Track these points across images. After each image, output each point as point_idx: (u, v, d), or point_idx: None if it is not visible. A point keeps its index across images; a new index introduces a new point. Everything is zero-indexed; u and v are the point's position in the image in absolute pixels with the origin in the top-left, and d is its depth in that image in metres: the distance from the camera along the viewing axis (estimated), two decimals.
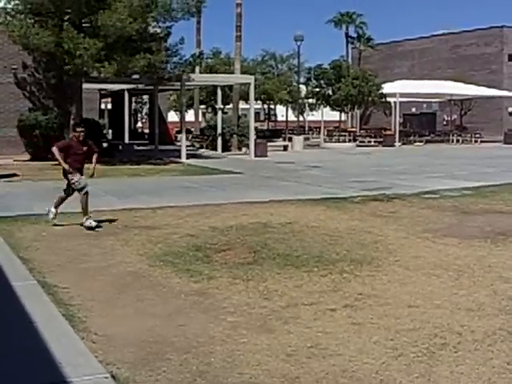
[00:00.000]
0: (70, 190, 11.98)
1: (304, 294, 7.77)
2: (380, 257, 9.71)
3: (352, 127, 55.46)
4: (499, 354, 6.00)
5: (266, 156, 32.56)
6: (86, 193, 11.68)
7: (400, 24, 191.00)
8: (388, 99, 47.34)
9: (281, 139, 46.93)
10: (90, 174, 11.99)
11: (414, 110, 66.67)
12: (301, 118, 62.69)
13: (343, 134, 48.71)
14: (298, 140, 41.17)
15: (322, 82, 45.77)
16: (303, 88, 50.45)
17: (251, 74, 41.23)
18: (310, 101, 52.98)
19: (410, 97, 52.85)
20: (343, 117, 56.08)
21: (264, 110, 62.08)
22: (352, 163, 29.83)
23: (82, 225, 11.73)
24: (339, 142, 46.67)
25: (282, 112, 65.18)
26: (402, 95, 47.36)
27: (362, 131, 53.16)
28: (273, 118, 68.46)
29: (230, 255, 9.71)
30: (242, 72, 40.41)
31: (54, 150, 11.70)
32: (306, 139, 47.99)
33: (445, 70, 65.11)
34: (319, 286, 8.17)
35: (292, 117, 59.46)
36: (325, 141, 48.01)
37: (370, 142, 46.91)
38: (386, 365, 5.73)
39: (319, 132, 52.95)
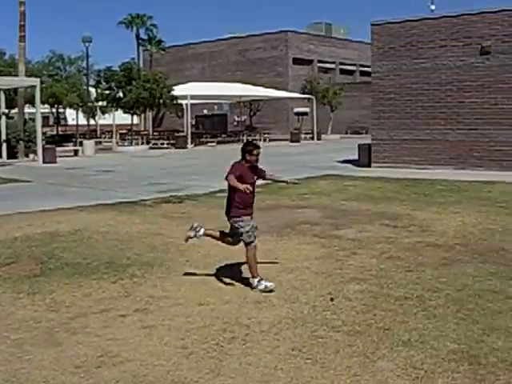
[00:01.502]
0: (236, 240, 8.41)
1: (93, 303, 7.61)
2: (171, 258, 9.79)
3: (145, 130, 55.28)
4: (285, 341, 6.29)
5: (55, 162, 31.43)
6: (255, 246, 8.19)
7: (192, 27, 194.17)
8: (180, 101, 47.76)
9: (71, 144, 45.65)
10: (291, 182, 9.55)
11: (205, 111, 67.96)
12: (93, 122, 61.41)
13: (136, 137, 48.39)
14: (89, 144, 40.29)
15: (112, 84, 45.11)
16: (93, 91, 49.41)
17: (37, 76, 39.55)
18: (101, 104, 52.00)
19: (202, 99, 53.82)
20: (136, 120, 55.72)
21: (53, 113, 60.00)
22: (145, 166, 29.74)
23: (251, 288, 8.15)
24: (132, 145, 46.31)
25: (72, 116, 63.39)
26: (194, 97, 48.05)
27: (154, 134, 53.21)
28: (63, 122, 66.36)
29: (15, 269, 9.23)
30: (28, 74, 38.69)
31: (230, 177, 7.92)
32: (98, 143, 47.12)
33: (234, 73, 67.13)
34: (109, 292, 8.05)
35: (83, 120, 57.98)
36: (117, 144, 47.44)
37: (162, 144, 47.06)
38: (177, 364, 5.78)
39: (111, 136, 52.17)
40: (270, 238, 11.25)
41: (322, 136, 54.46)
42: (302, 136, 53.13)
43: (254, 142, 9.11)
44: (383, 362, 5.77)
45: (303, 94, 56.86)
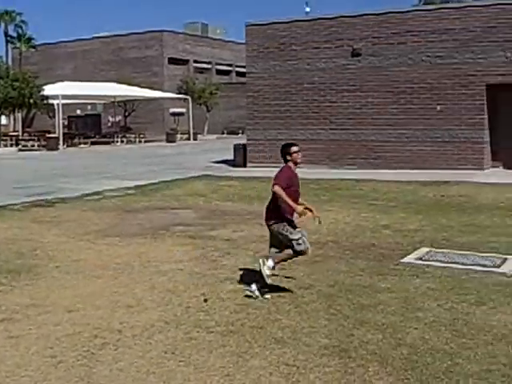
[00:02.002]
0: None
1: None
2: (39, 264, 9.41)
3: (14, 131, 53.17)
4: (157, 344, 6.18)
5: None
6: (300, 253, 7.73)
7: (65, 25, 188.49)
8: (51, 101, 46.28)
9: None
10: (319, 220, 8.20)
11: (78, 111, 66.23)
12: None
13: (4, 138, 46.44)
14: None
15: None
16: None
17: None
18: None
19: (74, 99, 52.37)
20: (4, 120, 53.52)
21: None
22: (13, 169, 28.60)
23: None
24: (0, 147, 44.39)
25: None
26: (66, 97, 46.71)
27: (25, 135, 51.28)
28: None
29: None
30: None
31: (278, 189, 7.49)
32: None
33: (108, 72, 65.84)
34: None
35: None
36: None
37: (33, 145, 45.38)
38: (45, 374, 5.55)
39: None
40: (144, 240, 11.08)
41: (199, 136, 54.49)
42: (178, 136, 52.93)
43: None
44: (256, 361, 5.78)
45: (179, 94, 56.64)
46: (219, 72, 75.16)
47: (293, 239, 7.52)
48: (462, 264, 9.00)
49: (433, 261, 9.16)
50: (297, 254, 7.64)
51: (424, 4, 53.48)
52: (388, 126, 22.85)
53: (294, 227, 7.67)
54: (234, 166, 25.79)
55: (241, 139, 33.27)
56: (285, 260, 7.91)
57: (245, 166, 25.47)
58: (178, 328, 6.63)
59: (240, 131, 57.02)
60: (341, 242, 10.80)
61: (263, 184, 19.18)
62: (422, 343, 6.10)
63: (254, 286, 7.68)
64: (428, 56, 22.17)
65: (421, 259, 9.34)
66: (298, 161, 7.83)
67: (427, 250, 9.94)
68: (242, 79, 53.32)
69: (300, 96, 24.54)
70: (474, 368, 5.52)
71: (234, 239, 11.11)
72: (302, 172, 22.42)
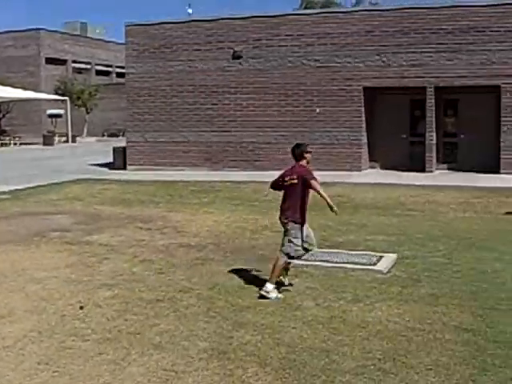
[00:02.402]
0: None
1: None
2: None
3: None
4: (30, 355, 5.94)
5: None
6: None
7: None
8: None
9: None
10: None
11: None
12: None
13: None
14: None
15: None
16: None
17: None
18: None
19: None
20: None
21: None
22: None
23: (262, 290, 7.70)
24: None
25: None
26: None
27: None
28: None
29: None
30: None
31: (316, 184, 7.78)
32: None
33: None
34: None
35: None
36: None
37: None
38: None
39: None
40: (17, 247, 10.63)
41: (78, 139, 53.07)
42: (56, 139, 51.33)
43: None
44: (133, 368, 5.67)
45: (57, 94, 54.99)
46: (99, 72, 73.59)
47: (292, 242, 7.75)
48: (340, 263, 9.22)
49: (311, 260, 9.29)
50: (284, 253, 7.82)
51: (305, 8, 54.64)
52: (269, 128, 23.11)
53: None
54: (114, 169, 25.28)
55: (121, 142, 32.71)
56: (279, 272, 7.89)
57: (125, 168, 25.05)
58: (52, 337, 6.39)
59: (121, 133, 56.05)
60: (221, 245, 10.78)
61: (143, 187, 19.00)
62: (300, 342, 6.17)
63: (270, 286, 7.62)
64: (308, 59, 22.61)
65: (300, 259, 9.45)
66: (310, 161, 8.10)
67: None
68: (123, 80, 52.51)
69: (181, 98, 24.41)
70: (351, 364, 5.64)
71: (113, 244, 10.85)
72: (183, 174, 22.43)
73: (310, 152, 8.06)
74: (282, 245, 7.88)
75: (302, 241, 7.86)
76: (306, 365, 5.64)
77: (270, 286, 7.62)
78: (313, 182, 7.74)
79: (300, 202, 7.84)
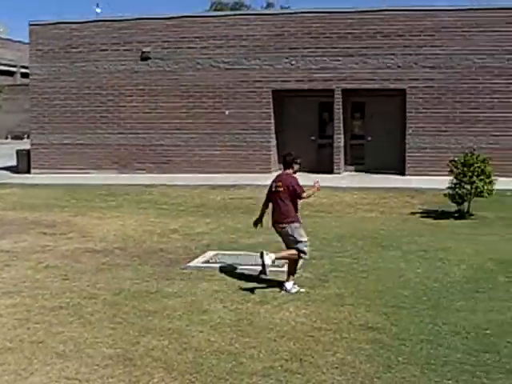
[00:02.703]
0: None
1: None
2: None
3: None
4: None
5: None
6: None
7: None
8: None
9: None
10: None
11: None
12: None
13: None
14: None
15: None
16: None
17: None
18: None
19: None
20: None
21: None
22: None
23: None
24: None
25: None
26: None
27: None
28: None
29: None
30: None
31: (305, 195, 8.39)
32: None
33: None
34: None
35: None
36: None
37: None
38: None
39: None
40: None
41: None
42: None
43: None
44: (36, 377, 5.50)
45: None
46: (2, 73, 71.26)
47: (301, 241, 8.12)
48: (248, 265, 9.21)
49: (220, 263, 9.29)
50: (300, 253, 8.14)
51: (214, 10, 54.63)
52: (177, 131, 22.94)
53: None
54: (18, 172, 24.43)
55: (26, 144, 31.73)
56: (286, 258, 8.33)
57: (29, 172, 24.27)
58: None
59: (25, 136, 54.43)
60: (128, 249, 10.61)
61: (48, 191, 18.47)
62: (207, 346, 6.13)
63: (289, 285, 8.01)
64: (217, 61, 22.59)
65: (208, 262, 9.45)
66: (297, 171, 8.55)
67: (214, 252, 10.07)
68: (28, 81, 51.07)
69: (87, 99, 23.88)
70: (258, 366, 5.65)
71: (15, 250, 10.49)
72: (90, 178, 21.95)
73: (299, 163, 8.49)
74: (295, 248, 8.17)
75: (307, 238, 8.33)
76: (213, 368, 5.61)
77: (290, 284, 8.07)
78: (303, 194, 8.32)
79: (293, 204, 8.29)
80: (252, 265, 9.18)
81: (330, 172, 21.46)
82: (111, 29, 23.68)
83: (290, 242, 8.20)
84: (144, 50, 23.13)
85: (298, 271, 8.34)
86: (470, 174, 13.59)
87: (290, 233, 8.17)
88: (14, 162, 25.82)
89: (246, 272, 8.87)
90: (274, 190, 8.36)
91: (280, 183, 8.29)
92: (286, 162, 8.48)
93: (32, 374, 5.56)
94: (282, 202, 8.24)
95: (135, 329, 6.60)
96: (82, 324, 6.78)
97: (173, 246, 10.80)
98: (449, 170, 14.19)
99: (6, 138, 58.75)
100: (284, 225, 8.19)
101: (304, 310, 7.18)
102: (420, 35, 20.81)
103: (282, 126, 22.83)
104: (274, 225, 8.38)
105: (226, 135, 22.40)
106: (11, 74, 72.43)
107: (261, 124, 22.31)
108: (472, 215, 13.71)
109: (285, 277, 8.21)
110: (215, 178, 20.79)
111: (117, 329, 6.62)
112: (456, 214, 13.82)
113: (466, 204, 13.90)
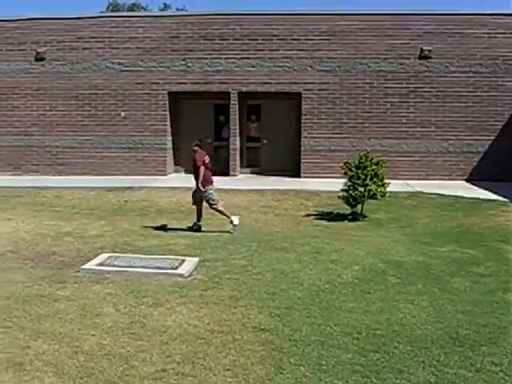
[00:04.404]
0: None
1: None
2: None
3: None
4: None
5: None
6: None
7: None
8: None
9: None
10: None
11: None
12: None
13: None
14: None
15: None
16: None
17: None
18: None
19: None
20: None
21: None
22: None
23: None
24: None
25: None
26: None
27: None
28: None
29: None
30: None
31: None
32: None
33: None
34: None
35: None
36: None
37: None
38: None
39: None
40: None
41: None
42: None
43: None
44: None
45: None
46: None
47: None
48: (142, 267, 9.23)
49: (113, 266, 9.25)
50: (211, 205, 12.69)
51: (111, 11, 53.85)
52: (72, 132, 22.50)
53: None
54: None
55: None
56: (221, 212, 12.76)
57: None
58: None
59: None
60: (20, 252, 10.41)
61: None
62: (99, 349, 6.13)
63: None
64: (112, 62, 22.34)
65: (102, 265, 9.38)
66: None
67: (108, 255, 10.00)
68: None
69: None
70: (150, 369, 5.71)
71: None
72: None
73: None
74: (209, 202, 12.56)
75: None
76: (104, 372, 5.62)
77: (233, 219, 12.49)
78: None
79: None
80: (146, 267, 9.21)
81: (227, 174, 21.65)
82: (5, 28, 22.97)
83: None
84: (39, 50, 22.59)
85: None
86: (363, 176, 13.91)
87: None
88: None
89: (140, 275, 8.88)
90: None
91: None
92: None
93: None
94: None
95: (26, 333, 6.52)
96: None
97: (66, 248, 10.67)
98: (343, 172, 14.53)
99: None
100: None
101: (197, 313, 7.26)
102: (315, 39, 21.30)
103: (179, 128, 22.85)
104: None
105: (121, 137, 22.20)
106: None
107: (156, 126, 22.23)
108: (365, 217, 14.09)
109: None
110: (111, 180, 20.56)
111: (7, 333, 6.52)
112: (350, 216, 14.15)
113: (359, 206, 14.25)
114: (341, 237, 12.04)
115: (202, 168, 12.38)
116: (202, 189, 12.38)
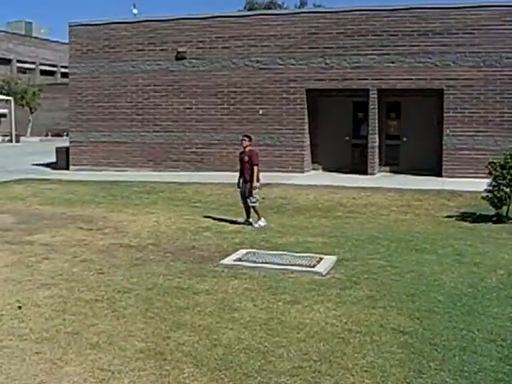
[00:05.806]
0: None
1: None
2: None
3: None
4: None
5: None
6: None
7: None
8: None
9: None
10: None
11: None
12: None
13: None
14: None
15: None
16: None
17: None
18: None
19: None
20: None
21: None
22: None
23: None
24: None
25: None
26: None
27: None
28: None
29: None
30: None
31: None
32: None
33: None
34: None
35: None
36: None
37: None
38: None
39: None
40: None
41: (22, 138, 52.10)
42: (0, 138, 50.34)
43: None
44: (70, 367, 5.62)
45: (0, 94, 53.84)
46: (44, 72, 72.32)
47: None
48: (280, 264, 9.24)
49: (251, 262, 9.35)
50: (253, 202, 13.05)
51: (248, 10, 54.69)
52: (211, 129, 23.09)
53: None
54: (57, 169, 24.91)
55: (65, 142, 32.23)
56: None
57: (67, 169, 24.71)
58: None
59: (65, 133, 55.10)
60: (161, 245, 10.75)
61: (85, 187, 18.77)
62: (237, 343, 6.19)
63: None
64: (251, 61, 22.67)
65: (240, 260, 9.50)
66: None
67: (246, 251, 10.13)
68: (67, 80, 51.62)
69: (124, 98, 24.20)
70: (287, 365, 5.68)
71: (53, 244, 10.72)
72: (126, 175, 22.19)
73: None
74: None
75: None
76: (242, 366, 5.67)
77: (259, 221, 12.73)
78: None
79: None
80: (284, 264, 9.23)
81: (364, 172, 21.36)
82: (147, 29, 23.93)
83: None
84: (179, 49, 23.32)
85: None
86: (509, 176, 13.27)
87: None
88: (53, 159, 26.28)
89: (277, 271, 8.90)
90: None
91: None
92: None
93: (67, 363, 5.70)
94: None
95: (167, 324, 6.70)
96: (115, 317, 6.92)
97: (205, 243, 10.91)
98: (487, 172, 13.86)
99: (46, 135, 59.63)
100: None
101: (334, 311, 7.18)
102: (458, 33, 20.51)
103: (316, 126, 22.82)
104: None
105: (259, 134, 22.43)
106: (52, 73, 73.54)
107: (294, 123, 22.31)
108: (511, 219, 13.44)
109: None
110: None
111: (149, 323, 6.73)
112: (494, 218, 13.48)
113: (504, 208, 13.55)
114: (485, 239, 11.50)
115: (257, 167, 12.98)
116: (258, 185, 12.95)
